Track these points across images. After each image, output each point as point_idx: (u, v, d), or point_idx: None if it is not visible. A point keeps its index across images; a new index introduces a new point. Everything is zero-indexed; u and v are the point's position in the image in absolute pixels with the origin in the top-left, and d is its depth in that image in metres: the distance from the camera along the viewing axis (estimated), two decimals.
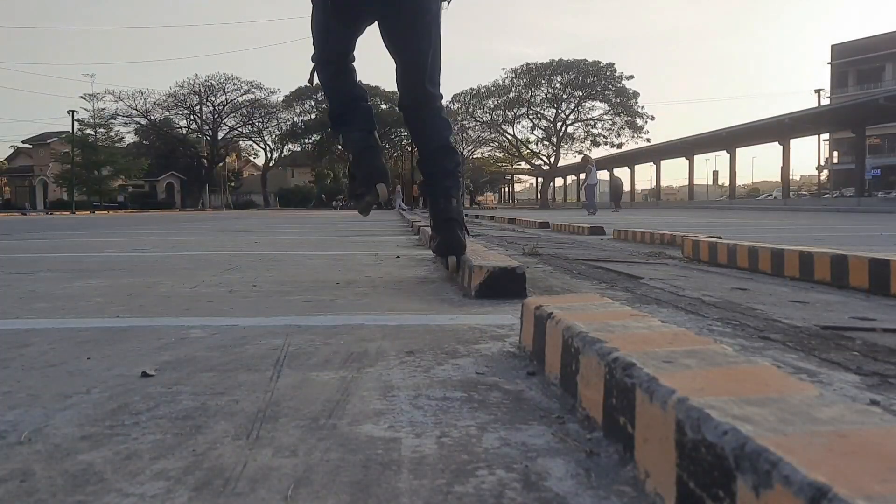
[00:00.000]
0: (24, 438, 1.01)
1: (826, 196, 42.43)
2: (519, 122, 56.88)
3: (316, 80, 2.91)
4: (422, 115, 2.85)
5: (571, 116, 55.17)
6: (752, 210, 26.63)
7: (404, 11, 2.67)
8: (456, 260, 2.82)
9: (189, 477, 0.86)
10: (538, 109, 55.64)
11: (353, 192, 2.95)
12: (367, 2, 2.68)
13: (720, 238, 4.05)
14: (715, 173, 77.25)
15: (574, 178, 71.42)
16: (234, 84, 59.27)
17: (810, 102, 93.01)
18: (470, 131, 59.53)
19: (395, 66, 2.83)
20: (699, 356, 0.97)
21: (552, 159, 56.24)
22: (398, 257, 4.28)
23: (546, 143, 57.04)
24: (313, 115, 62.56)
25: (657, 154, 50.34)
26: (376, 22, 2.77)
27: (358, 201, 2.89)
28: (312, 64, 2.90)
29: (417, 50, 2.72)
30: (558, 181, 78.99)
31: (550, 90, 54.57)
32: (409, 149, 60.91)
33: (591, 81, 53.31)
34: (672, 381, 0.83)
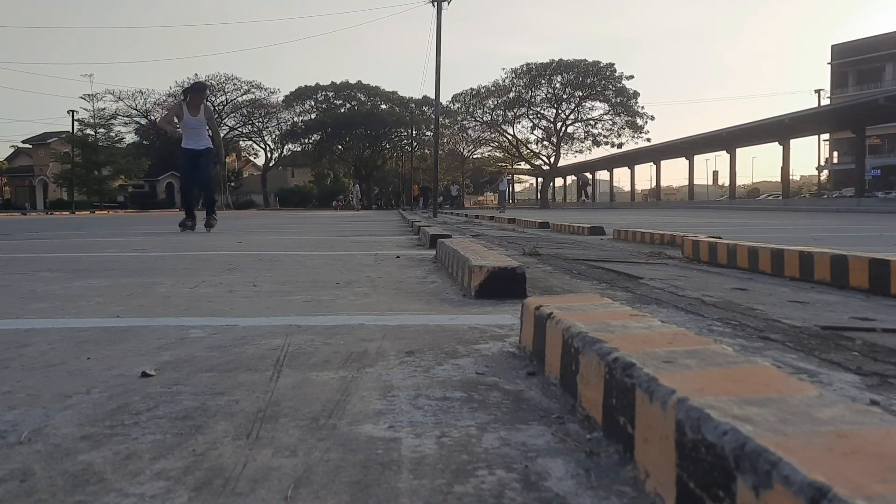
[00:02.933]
0: (24, 438, 1.01)
1: (825, 196, 42.40)
2: (519, 122, 56.71)
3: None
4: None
5: (571, 116, 55.04)
6: (752, 210, 26.63)
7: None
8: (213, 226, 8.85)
9: (189, 477, 0.86)
10: (538, 109, 55.49)
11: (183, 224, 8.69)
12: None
13: (720, 238, 4.05)
14: (715, 173, 77.23)
15: (574, 178, 71.39)
16: (234, 84, 59.13)
17: (810, 102, 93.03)
18: (470, 131, 59.41)
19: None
20: (699, 356, 0.97)
21: (552, 159, 56.14)
22: (398, 257, 4.29)
23: (546, 143, 56.93)
24: (313, 116, 62.38)
25: (657, 154, 50.29)
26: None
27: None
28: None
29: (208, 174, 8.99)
30: (558, 181, 78.97)
31: (550, 90, 54.44)
32: (409, 149, 60.89)
33: (591, 81, 53.19)
34: (672, 381, 0.83)
